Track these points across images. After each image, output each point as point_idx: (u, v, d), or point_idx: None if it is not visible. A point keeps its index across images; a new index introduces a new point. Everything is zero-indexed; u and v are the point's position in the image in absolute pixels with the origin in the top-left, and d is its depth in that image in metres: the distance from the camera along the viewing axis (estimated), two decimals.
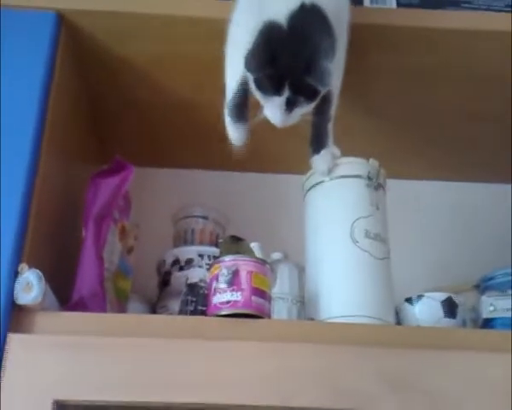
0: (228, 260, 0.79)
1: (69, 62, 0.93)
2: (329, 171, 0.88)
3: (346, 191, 0.87)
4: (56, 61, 0.88)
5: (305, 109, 0.80)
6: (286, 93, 0.77)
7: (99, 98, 1.05)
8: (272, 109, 0.79)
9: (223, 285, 0.77)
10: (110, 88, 1.03)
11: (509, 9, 1.02)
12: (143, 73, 0.99)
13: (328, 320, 0.81)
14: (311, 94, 0.79)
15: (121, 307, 0.92)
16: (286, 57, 0.76)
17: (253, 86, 0.80)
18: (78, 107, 1.01)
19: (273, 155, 1.15)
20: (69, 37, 0.91)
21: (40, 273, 0.74)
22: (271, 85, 0.77)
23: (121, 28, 0.92)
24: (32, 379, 0.70)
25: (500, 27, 0.93)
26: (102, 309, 0.83)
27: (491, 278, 0.93)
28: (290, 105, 0.78)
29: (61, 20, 0.90)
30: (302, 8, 0.78)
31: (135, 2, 0.92)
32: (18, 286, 0.73)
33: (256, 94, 0.81)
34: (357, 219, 0.85)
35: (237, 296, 0.76)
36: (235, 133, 0.86)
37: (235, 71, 0.84)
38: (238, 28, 0.84)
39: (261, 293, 0.77)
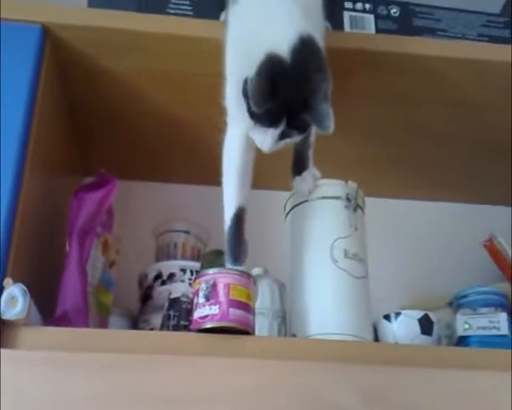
0: (207, 274, 0.79)
1: (53, 75, 0.93)
2: (310, 192, 0.90)
3: (325, 212, 0.90)
4: (41, 75, 0.89)
5: (293, 140, 0.81)
6: (282, 127, 0.77)
7: (83, 111, 1.05)
8: (263, 136, 0.79)
9: (202, 300, 0.77)
10: (94, 101, 1.03)
11: (482, 38, 1.06)
12: (127, 86, 1.00)
13: (309, 337, 0.83)
14: (304, 129, 0.79)
15: (103, 322, 0.92)
16: (287, 92, 0.75)
17: (246, 115, 0.78)
18: (62, 120, 1.02)
19: (254, 171, 1.16)
20: (54, 50, 0.92)
21: (25, 288, 0.74)
22: (270, 119, 0.77)
23: (105, 43, 0.93)
24: (17, 395, 0.70)
25: (472, 56, 0.96)
26: (86, 324, 0.83)
27: (464, 296, 0.96)
28: (282, 137, 0.78)
29: (46, 34, 0.91)
30: (302, 42, 0.76)
31: (119, 17, 0.93)
32: (3, 301, 0.73)
33: (248, 120, 0.79)
34: (337, 240, 0.87)
35: (215, 310, 0.76)
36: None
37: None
38: (232, 55, 0.83)
39: (240, 305, 0.77)
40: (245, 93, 0.78)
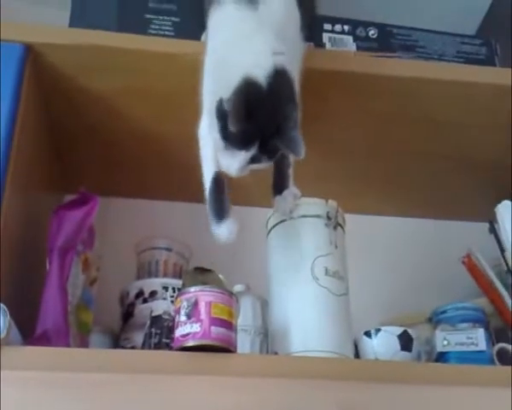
0: (188, 292, 0.79)
1: (35, 93, 0.93)
2: (290, 211, 0.91)
3: (306, 230, 0.91)
4: (22, 92, 0.89)
5: (262, 166, 0.81)
6: (253, 151, 0.78)
7: (64, 129, 1.05)
8: (230, 160, 0.79)
9: (183, 318, 0.78)
10: (75, 119, 1.04)
11: (459, 59, 1.08)
12: (108, 104, 1.01)
13: (290, 355, 0.83)
14: (274, 155, 0.80)
15: (83, 340, 0.92)
16: (262, 116, 0.76)
17: (217, 136, 0.79)
18: (43, 137, 1.02)
19: (236, 188, 1.17)
20: (35, 68, 0.92)
21: (5, 307, 0.74)
22: (243, 141, 0.77)
23: (87, 61, 0.94)
24: None
25: (449, 77, 0.98)
26: (66, 343, 0.83)
27: (442, 312, 0.97)
28: (252, 161, 0.79)
29: (29, 52, 0.91)
30: (276, 71, 0.78)
31: (101, 36, 0.93)
32: None
33: (218, 142, 0.80)
34: (317, 258, 0.88)
35: (196, 328, 0.76)
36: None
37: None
38: (209, 77, 0.84)
39: (222, 323, 0.77)
40: (218, 114, 0.79)
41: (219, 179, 0.83)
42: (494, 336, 0.97)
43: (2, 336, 0.73)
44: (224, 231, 0.82)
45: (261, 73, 0.77)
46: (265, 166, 0.82)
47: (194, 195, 1.18)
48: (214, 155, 0.83)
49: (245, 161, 0.79)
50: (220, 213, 0.82)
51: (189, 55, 0.91)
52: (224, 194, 0.83)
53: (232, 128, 0.76)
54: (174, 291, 0.97)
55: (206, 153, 0.85)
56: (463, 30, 1.16)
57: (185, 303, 0.78)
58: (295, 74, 0.82)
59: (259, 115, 0.76)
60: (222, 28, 0.85)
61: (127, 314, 0.99)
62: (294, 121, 0.78)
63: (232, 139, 0.78)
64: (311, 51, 0.90)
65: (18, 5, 1.20)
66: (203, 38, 0.96)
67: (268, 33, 0.81)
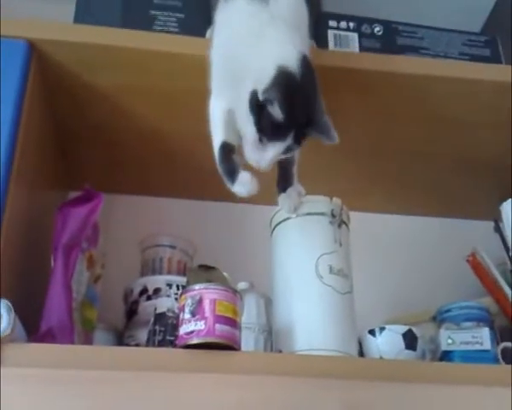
0: (193, 289, 0.79)
1: (39, 90, 0.93)
2: (295, 209, 0.91)
3: (310, 228, 0.91)
4: (27, 89, 0.89)
5: (289, 155, 0.82)
6: (289, 141, 0.79)
7: (68, 126, 1.05)
8: (262, 153, 0.80)
9: (188, 315, 0.78)
10: (79, 116, 1.04)
11: (464, 57, 1.08)
12: (112, 102, 1.01)
13: (294, 353, 0.83)
14: (302, 143, 0.81)
15: (88, 337, 0.92)
16: (296, 106, 0.77)
17: (252, 129, 0.79)
18: (47, 134, 1.02)
19: None
20: (40, 65, 0.92)
21: (9, 304, 0.74)
22: (280, 132, 0.78)
23: (91, 59, 0.94)
24: None
25: (454, 74, 0.98)
26: (71, 340, 0.83)
27: (447, 311, 0.97)
28: (286, 152, 0.80)
29: (32, 49, 0.91)
30: (304, 60, 0.79)
31: (105, 33, 0.93)
32: None
33: (251, 135, 0.80)
34: (322, 256, 0.88)
35: (201, 325, 0.77)
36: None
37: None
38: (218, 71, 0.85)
39: (226, 320, 0.77)
40: (253, 107, 0.78)
41: (227, 147, 0.84)
42: (499, 335, 0.96)
43: (7, 332, 0.73)
44: (240, 187, 0.82)
45: (293, 62, 0.78)
46: (291, 155, 0.83)
47: (198, 192, 1.20)
48: (222, 126, 0.84)
49: (281, 151, 0.79)
50: (232, 173, 0.82)
51: (194, 54, 0.92)
52: (232, 157, 0.84)
53: (279, 117, 0.76)
54: (178, 289, 0.97)
55: (215, 123, 0.86)
56: (468, 28, 1.16)
57: (190, 301, 0.79)
58: None
59: (296, 105, 0.77)
60: (233, 22, 0.85)
61: (131, 312, 0.99)
62: (323, 107, 0.79)
63: (268, 130, 0.78)
64: (314, 49, 0.90)
65: (22, 1, 1.20)
66: (208, 34, 0.96)
67: (281, 27, 0.81)
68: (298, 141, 0.80)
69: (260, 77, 0.77)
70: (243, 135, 0.82)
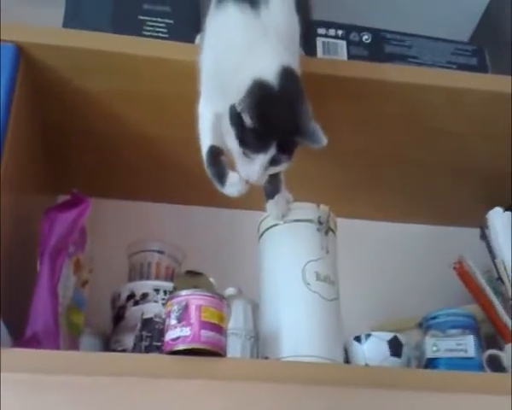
0: (179, 295, 0.79)
1: (27, 94, 0.93)
2: (283, 215, 0.92)
3: (297, 235, 0.91)
4: (14, 93, 0.89)
5: (280, 168, 0.82)
6: (272, 151, 0.79)
7: (55, 130, 1.05)
8: (250, 166, 0.80)
9: (174, 321, 0.78)
10: (67, 120, 1.03)
11: (451, 66, 1.09)
12: (100, 106, 1.01)
13: (281, 359, 0.83)
14: (292, 152, 0.81)
15: (74, 342, 0.91)
16: (276, 116, 0.78)
17: (234, 142, 0.80)
18: (35, 138, 1.01)
19: None
20: (28, 69, 0.92)
21: None
22: (259, 141, 0.78)
23: (80, 63, 0.93)
24: None
25: (442, 83, 0.98)
26: (56, 345, 0.82)
27: (433, 318, 0.97)
28: (272, 164, 0.80)
29: (21, 53, 0.91)
30: (284, 70, 0.80)
31: (94, 38, 0.93)
32: None
33: (235, 150, 0.80)
34: (309, 262, 0.89)
35: (186, 332, 0.77)
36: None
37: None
38: (209, 81, 0.86)
39: (212, 326, 0.77)
40: (233, 120, 0.79)
41: (214, 150, 0.85)
42: (484, 342, 0.97)
43: None
44: (230, 188, 0.83)
45: (270, 74, 0.79)
46: (284, 167, 0.83)
47: (187, 197, 1.20)
48: (210, 130, 0.85)
49: (265, 163, 0.79)
50: (221, 176, 0.83)
51: (183, 60, 0.92)
52: (221, 160, 0.84)
53: (253, 122, 0.76)
54: (166, 294, 0.97)
55: (203, 127, 0.87)
56: (457, 37, 1.17)
57: (176, 307, 0.79)
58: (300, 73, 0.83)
59: (274, 114, 0.78)
60: (224, 30, 0.85)
61: (118, 317, 0.99)
62: (309, 114, 0.80)
63: (250, 143, 0.79)
64: (303, 59, 0.91)
65: (11, 4, 1.20)
66: (197, 40, 0.96)
67: (272, 36, 0.82)
68: (285, 151, 0.80)
69: (239, 90, 0.78)
70: (230, 150, 0.82)
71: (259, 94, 0.77)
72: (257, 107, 0.76)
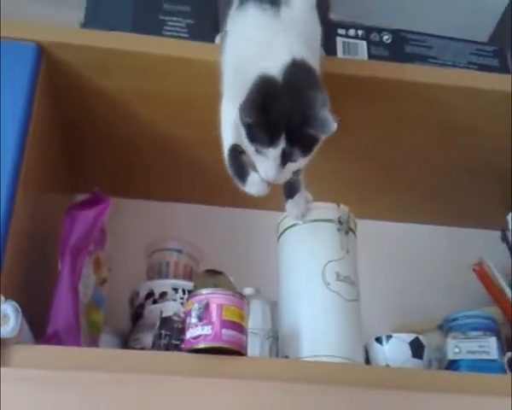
0: (200, 294, 0.79)
1: (48, 93, 0.94)
2: (302, 215, 0.92)
3: (317, 235, 0.91)
4: (36, 92, 0.89)
5: (298, 164, 0.82)
6: (282, 144, 0.79)
7: (75, 129, 1.06)
8: (266, 163, 0.80)
9: (194, 320, 0.78)
10: (87, 119, 1.04)
11: (472, 66, 1.08)
12: (120, 105, 1.01)
13: (300, 359, 0.83)
14: (309, 144, 0.81)
15: (93, 340, 0.92)
16: (281, 108, 0.78)
17: (245, 140, 0.81)
18: (55, 137, 1.02)
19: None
20: (49, 68, 0.93)
21: (17, 305, 0.74)
22: (266, 135, 0.78)
23: (100, 62, 0.94)
24: None
25: (463, 83, 0.98)
26: (77, 343, 0.83)
27: (454, 319, 0.96)
28: (285, 158, 0.80)
29: (42, 52, 0.91)
30: (294, 63, 0.80)
31: (114, 38, 0.94)
32: None
33: (249, 148, 0.81)
34: (329, 262, 0.88)
35: (207, 330, 0.77)
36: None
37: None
38: (230, 85, 0.86)
39: (233, 325, 0.78)
40: (240, 115, 0.79)
41: (236, 149, 0.85)
42: (505, 344, 0.96)
43: (14, 334, 0.73)
44: (251, 187, 0.83)
45: (276, 67, 0.79)
46: (302, 164, 0.82)
47: (206, 197, 1.20)
48: (232, 129, 0.85)
49: (276, 159, 0.79)
50: (242, 175, 0.84)
51: (203, 60, 0.92)
52: (242, 159, 0.85)
53: (248, 119, 0.77)
54: (184, 293, 0.97)
55: (225, 127, 0.87)
56: (475, 37, 1.16)
57: (196, 305, 0.79)
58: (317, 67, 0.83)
59: (277, 107, 0.78)
60: (244, 31, 0.85)
61: (137, 315, 0.99)
62: (321, 102, 0.79)
63: (258, 138, 0.79)
64: (323, 59, 0.90)
65: (32, 4, 1.21)
66: (217, 40, 0.96)
67: (290, 34, 0.82)
68: (296, 143, 0.79)
69: (246, 89, 0.79)
70: (247, 151, 0.83)
71: (261, 87, 0.78)
72: (256, 102, 0.77)
